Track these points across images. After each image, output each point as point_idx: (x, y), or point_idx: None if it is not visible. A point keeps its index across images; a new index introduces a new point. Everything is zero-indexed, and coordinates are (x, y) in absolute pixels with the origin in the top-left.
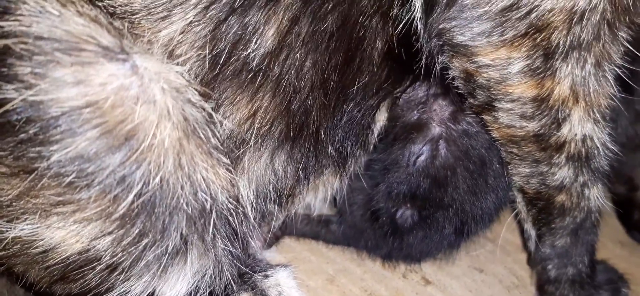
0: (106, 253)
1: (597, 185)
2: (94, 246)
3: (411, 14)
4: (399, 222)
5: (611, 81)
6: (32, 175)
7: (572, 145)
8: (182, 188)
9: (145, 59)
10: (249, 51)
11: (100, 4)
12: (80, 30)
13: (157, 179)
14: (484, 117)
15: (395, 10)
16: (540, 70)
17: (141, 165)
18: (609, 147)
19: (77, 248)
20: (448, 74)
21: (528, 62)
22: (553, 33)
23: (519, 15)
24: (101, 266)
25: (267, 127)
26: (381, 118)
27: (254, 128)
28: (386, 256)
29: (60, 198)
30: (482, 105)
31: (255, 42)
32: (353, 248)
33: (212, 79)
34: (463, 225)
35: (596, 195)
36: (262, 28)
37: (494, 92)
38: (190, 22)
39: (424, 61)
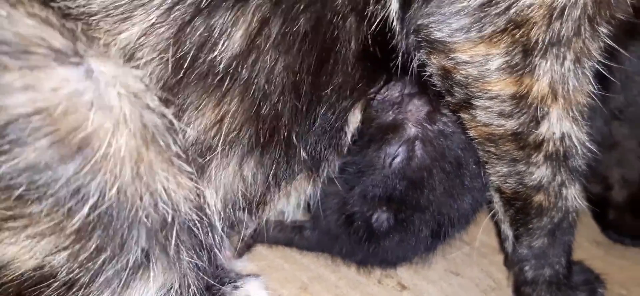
0: (62, 269)
1: (575, 184)
2: (49, 262)
3: (386, 11)
4: (374, 226)
5: (590, 78)
6: None
7: (551, 143)
8: (141, 199)
9: (101, 62)
10: (215, 54)
11: (54, 5)
12: (31, 32)
13: (114, 190)
14: (462, 115)
15: (370, 8)
16: (519, 67)
17: (96, 175)
18: (587, 145)
19: (31, 264)
20: (425, 72)
21: (507, 58)
22: (532, 29)
23: (497, 10)
24: (57, 283)
25: (235, 133)
26: (355, 120)
27: (221, 135)
28: (361, 261)
29: (10, 213)
30: (459, 103)
31: (223, 45)
32: (327, 255)
33: (175, 83)
34: (440, 228)
35: (574, 195)
36: (229, 30)
37: (472, 89)
38: (153, 23)
39: (400, 59)
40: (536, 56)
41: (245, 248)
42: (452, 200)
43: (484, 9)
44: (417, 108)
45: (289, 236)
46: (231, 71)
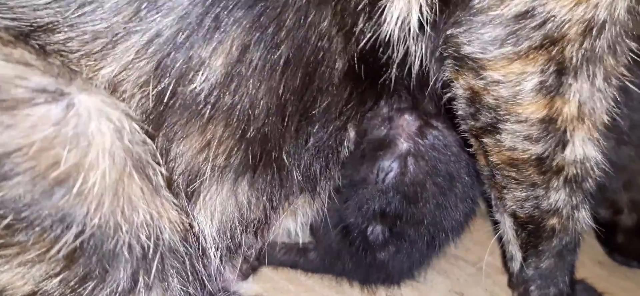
0: (55, 294)
1: (586, 206)
2: (42, 289)
3: (382, 28)
4: (370, 239)
5: (614, 96)
6: None
7: (572, 168)
8: (122, 229)
9: (85, 94)
10: (195, 85)
11: (33, 43)
12: (7, 72)
13: (96, 221)
14: (484, 140)
15: (359, 26)
16: (552, 87)
17: (78, 207)
18: (600, 167)
19: (26, 290)
20: (422, 84)
21: (542, 78)
22: (567, 46)
23: (534, 23)
24: None
25: (223, 158)
26: (350, 138)
27: (208, 160)
28: (364, 280)
29: (1, 241)
30: (484, 128)
31: (202, 75)
32: (332, 276)
33: (159, 115)
34: (434, 239)
35: (584, 216)
36: (208, 60)
37: (501, 112)
38: (132, 59)
39: (393, 74)
40: (569, 76)
41: (250, 270)
42: (446, 211)
43: (519, 21)
44: (407, 123)
45: (294, 259)
46: (213, 99)
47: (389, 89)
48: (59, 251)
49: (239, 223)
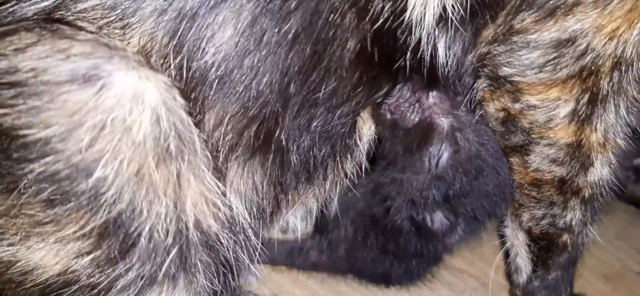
0: (84, 273)
1: (594, 222)
2: (72, 266)
3: (404, 13)
4: (434, 228)
5: (630, 123)
6: (14, 193)
7: (588, 188)
8: (148, 216)
9: (119, 74)
10: (207, 57)
11: (66, 18)
12: (41, 57)
13: (122, 205)
14: (512, 159)
15: (378, 5)
16: (583, 115)
17: (110, 186)
18: (610, 185)
19: (57, 269)
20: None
21: (576, 106)
22: (601, 78)
23: (573, 53)
24: (78, 287)
25: (235, 135)
26: (367, 129)
27: (223, 137)
28: (406, 272)
29: (39, 216)
30: (514, 148)
31: (213, 46)
32: (333, 278)
33: (184, 88)
34: (494, 209)
35: (592, 231)
36: (218, 31)
37: (534, 136)
38: (152, 29)
39: (408, 59)
40: (600, 106)
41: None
42: (501, 176)
43: (558, 48)
44: (439, 99)
45: (294, 257)
46: (222, 73)
47: (404, 75)
48: (92, 229)
49: (258, 208)
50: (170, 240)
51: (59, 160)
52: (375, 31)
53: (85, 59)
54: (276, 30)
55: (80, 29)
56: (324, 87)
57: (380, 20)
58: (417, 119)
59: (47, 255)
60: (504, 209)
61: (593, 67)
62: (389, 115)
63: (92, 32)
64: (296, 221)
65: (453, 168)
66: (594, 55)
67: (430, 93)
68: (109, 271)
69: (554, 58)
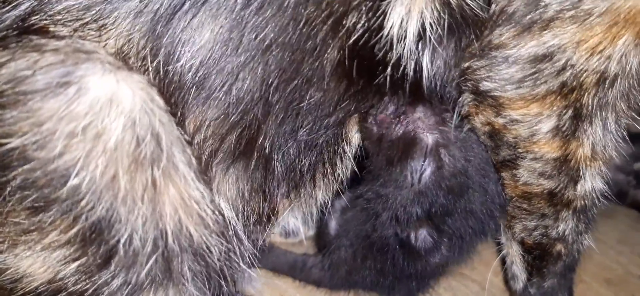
0: (71, 279)
1: (589, 230)
2: (60, 273)
3: (382, 28)
4: (418, 246)
5: (622, 136)
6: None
7: (580, 200)
8: (127, 224)
9: (94, 78)
10: (182, 61)
11: (39, 26)
12: (16, 67)
13: (101, 211)
14: (503, 174)
15: (352, 20)
16: (568, 131)
17: (89, 193)
18: (604, 195)
19: (46, 277)
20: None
21: (559, 122)
22: (584, 94)
23: (552, 69)
24: (67, 293)
25: (215, 141)
26: (355, 138)
27: (204, 143)
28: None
29: (24, 224)
30: (503, 162)
31: (188, 51)
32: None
33: (163, 91)
34: (483, 226)
35: (587, 239)
36: (194, 34)
37: (520, 150)
38: (129, 30)
39: (389, 72)
40: (585, 121)
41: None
42: (489, 193)
43: (536, 64)
44: (425, 114)
45: (293, 269)
46: (199, 78)
47: (391, 88)
48: (75, 235)
49: (243, 214)
50: (149, 247)
51: (37, 168)
52: (351, 45)
53: (59, 67)
54: (253, 36)
55: (55, 35)
56: (307, 97)
57: (356, 35)
58: (401, 133)
59: (34, 263)
60: (493, 227)
61: (575, 83)
62: (374, 128)
63: (65, 38)
64: (297, 223)
65: (436, 185)
66: (575, 71)
67: (416, 108)
68: (95, 278)
69: (533, 73)
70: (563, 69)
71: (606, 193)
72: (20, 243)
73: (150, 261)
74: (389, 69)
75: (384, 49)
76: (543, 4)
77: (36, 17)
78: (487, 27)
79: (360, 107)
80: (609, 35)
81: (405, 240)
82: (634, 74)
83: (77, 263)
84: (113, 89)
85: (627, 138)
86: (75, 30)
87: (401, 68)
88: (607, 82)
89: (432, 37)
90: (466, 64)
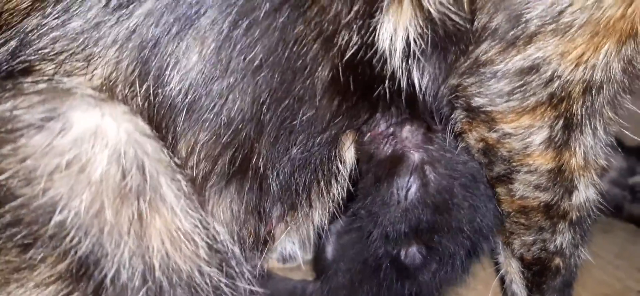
0: None
1: (585, 243)
2: None
3: (374, 44)
4: (407, 263)
5: (610, 143)
6: None
7: (575, 211)
8: (112, 258)
9: (77, 114)
10: (172, 85)
11: (21, 66)
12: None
13: (87, 245)
14: (498, 189)
15: (344, 37)
16: (560, 141)
17: (75, 228)
18: (597, 205)
19: None
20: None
21: (551, 133)
22: (573, 104)
23: (540, 81)
24: None
25: (208, 163)
26: (349, 156)
27: (197, 166)
28: None
29: (15, 263)
30: (498, 177)
31: (178, 73)
32: None
33: (153, 116)
34: (475, 245)
35: (584, 252)
36: (182, 58)
37: (514, 164)
38: (117, 58)
39: (387, 85)
40: (576, 130)
41: None
42: (479, 212)
43: (524, 77)
44: (411, 133)
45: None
46: (190, 100)
47: (384, 103)
48: (64, 271)
49: (239, 237)
50: (137, 281)
51: (24, 205)
52: (347, 61)
53: (43, 105)
54: (242, 57)
55: (40, 73)
56: (300, 114)
57: (351, 51)
58: (389, 151)
59: None
60: (486, 247)
61: (563, 93)
62: (365, 147)
63: (50, 77)
64: (295, 247)
65: (422, 202)
66: (562, 82)
67: (405, 127)
68: None
69: (521, 85)
70: (550, 80)
71: (601, 205)
72: (12, 281)
73: (140, 295)
74: (386, 82)
75: (381, 62)
76: (524, 19)
77: (23, 54)
78: (472, 42)
79: (353, 123)
80: (592, 46)
81: (396, 258)
82: (618, 80)
83: None
84: (97, 123)
85: (622, 152)
86: (61, 63)
87: (396, 82)
88: (594, 89)
89: (417, 52)
90: (456, 82)
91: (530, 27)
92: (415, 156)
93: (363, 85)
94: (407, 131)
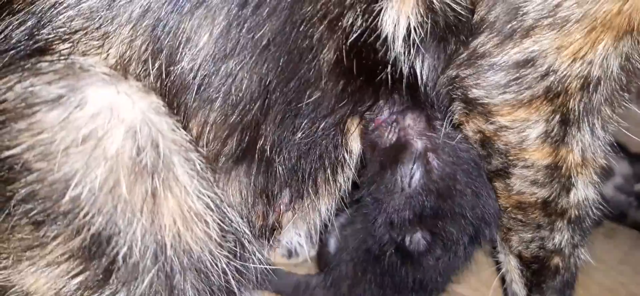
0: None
1: (586, 244)
2: (63, 287)
3: (378, 28)
4: (410, 248)
5: (609, 142)
6: (4, 215)
7: (574, 209)
8: (123, 237)
9: (92, 89)
10: (183, 63)
11: (39, 45)
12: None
13: (99, 224)
14: (496, 184)
15: (349, 19)
16: (557, 137)
17: (88, 205)
18: (597, 205)
19: (49, 294)
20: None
21: (547, 127)
22: (570, 99)
23: (536, 74)
24: None
25: (217, 144)
26: (355, 146)
27: (207, 146)
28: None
29: (28, 240)
30: (496, 172)
31: (189, 51)
32: None
33: (165, 95)
34: (477, 232)
35: (584, 253)
36: (194, 37)
37: (511, 157)
38: (130, 36)
39: (389, 70)
40: (573, 126)
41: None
42: (482, 199)
43: (520, 70)
44: (414, 121)
45: (296, 290)
46: (200, 80)
47: (386, 89)
48: (77, 249)
49: (248, 221)
50: (148, 261)
51: (39, 179)
52: (351, 44)
53: (60, 83)
54: (250, 36)
55: (57, 54)
56: (306, 97)
57: (356, 34)
58: (394, 139)
59: (38, 279)
60: (488, 234)
61: (559, 88)
62: (370, 135)
63: (67, 55)
64: (301, 241)
65: (425, 188)
66: (558, 76)
67: (407, 115)
68: (97, 294)
69: (517, 78)
70: (546, 74)
71: (602, 207)
72: (24, 259)
73: (151, 275)
74: (389, 68)
75: (384, 47)
76: (522, 12)
77: (39, 34)
78: (471, 34)
79: (357, 108)
80: (589, 41)
81: (401, 244)
82: (615, 77)
83: (79, 278)
84: (113, 100)
85: (627, 158)
86: (77, 42)
87: (399, 68)
88: (591, 86)
89: (417, 41)
90: (454, 73)
91: (527, 20)
92: (419, 144)
93: (367, 69)
94: (410, 119)
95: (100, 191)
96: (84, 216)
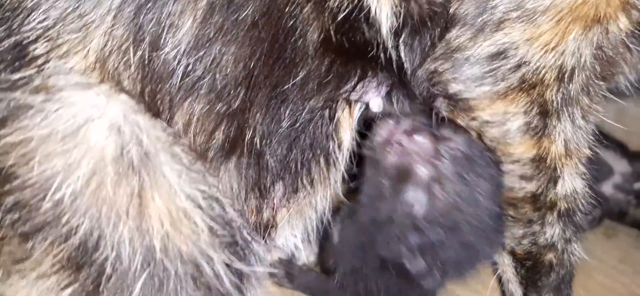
0: None
1: (578, 239)
2: None
3: (370, 10)
4: (410, 270)
5: (592, 132)
6: None
7: (563, 202)
8: (108, 240)
9: (70, 92)
10: (167, 49)
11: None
12: None
13: (84, 229)
14: None
15: (336, 1)
16: (538, 128)
17: (70, 211)
18: (588, 199)
19: None
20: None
21: (526, 119)
22: (547, 90)
23: (509, 66)
24: None
25: (205, 136)
26: (346, 135)
27: (194, 139)
28: None
29: (17, 254)
30: None
31: (173, 37)
32: None
33: (147, 85)
34: (478, 252)
35: (577, 249)
36: (177, 20)
37: (498, 153)
38: (111, 25)
39: (375, 52)
40: (553, 117)
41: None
42: (485, 221)
43: (493, 61)
44: (420, 147)
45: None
46: (184, 67)
47: (375, 68)
48: (65, 259)
49: (241, 216)
50: (138, 265)
51: (23, 185)
52: (338, 24)
53: (39, 88)
54: (233, 18)
55: (36, 56)
56: (291, 79)
57: (343, 14)
58: (395, 160)
59: (30, 294)
60: (488, 251)
61: (534, 78)
62: (371, 153)
63: (46, 55)
64: (297, 241)
65: (426, 218)
66: (532, 67)
67: (413, 138)
68: None
69: (491, 70)
70: (519, 65)
71: (592, 199)
72: (13, 273)
73: (141, 281)
74: (375, 49)
75: (372, 28)
76: (491, 5)
77: (24, 28)
78: (444, 27)
79: (342, 85)
80: (559, 31)
81: (401, 267)
82: (589, 67)
83: (70, 289)
84: (92, 100)
85: (626, 157)
86: (59, 34)
87: (385, 51)
88: (566, 76)
89: (394, 29)
90: (432, 66)
91: (496, 13)
92: (424, 172)
93: (353, 48)
94: (414, 144)
95: (84, 192)
96: (69, 220)
